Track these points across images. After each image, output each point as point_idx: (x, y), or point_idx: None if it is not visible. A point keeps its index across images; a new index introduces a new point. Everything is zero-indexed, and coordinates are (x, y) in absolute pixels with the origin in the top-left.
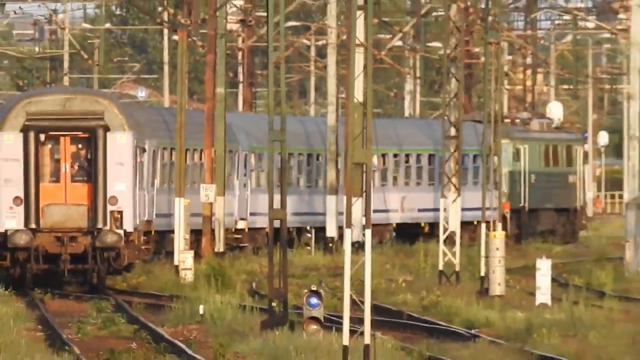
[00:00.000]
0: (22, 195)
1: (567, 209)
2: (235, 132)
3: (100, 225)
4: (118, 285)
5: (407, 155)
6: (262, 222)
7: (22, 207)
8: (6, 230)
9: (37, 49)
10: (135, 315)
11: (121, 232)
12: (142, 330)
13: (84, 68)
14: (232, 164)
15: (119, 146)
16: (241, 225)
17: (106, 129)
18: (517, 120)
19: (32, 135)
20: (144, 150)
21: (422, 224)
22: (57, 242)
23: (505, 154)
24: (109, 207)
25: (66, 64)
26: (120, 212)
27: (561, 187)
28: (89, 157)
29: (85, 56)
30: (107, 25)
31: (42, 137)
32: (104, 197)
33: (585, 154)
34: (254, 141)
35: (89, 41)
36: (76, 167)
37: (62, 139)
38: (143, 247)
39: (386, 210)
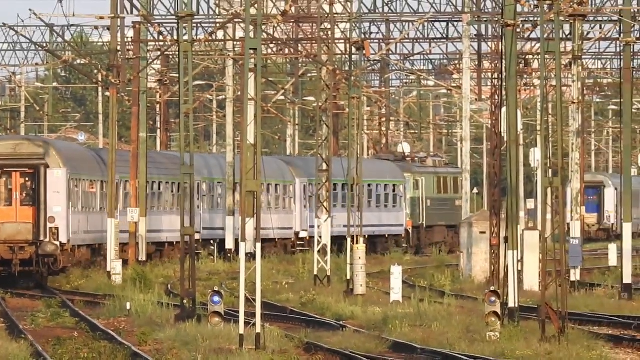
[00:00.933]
0: None
1: (455, 225)
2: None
3: (42, 238)
4: (63, 287)
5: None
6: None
7: None
8: None
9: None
10: (76, 310)
11: (57, 243)
12: (82, 322)
13: (36, 117)
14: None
15: (56, 179)
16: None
17: (46, 166)
18: (416, 158)
19: None
20: (76, 182)
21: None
22: (9, 250)
23: (407, 184)
24: (49, 225)
25: (23, 114)
26: (57, 228)
27: (449, 209)
28: (33, 187)
29: (38, 108)
30: (55, 84)
31: None
32: (45, 216)
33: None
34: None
35: (40, 96)
36: (24, 195)
37: (13, 173)
38: (76, 255)
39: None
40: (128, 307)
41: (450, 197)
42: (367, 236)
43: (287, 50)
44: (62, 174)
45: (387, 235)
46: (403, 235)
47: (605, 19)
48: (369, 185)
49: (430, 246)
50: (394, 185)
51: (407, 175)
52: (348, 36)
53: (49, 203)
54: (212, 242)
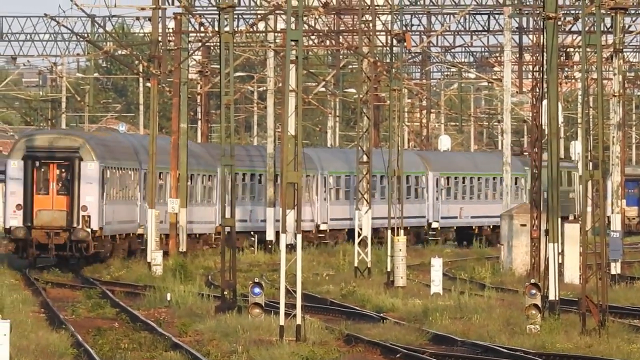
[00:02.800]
0: (22, 202)
1: (568, 216)
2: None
3: (75, 225)
4: (103, 278)
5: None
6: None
7: (21, 211)
8: (10, 227)
9: (41, 93)
10: (117, 301)
11: (89, 230)
12: (123, 313)
13: (77, 108)
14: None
15: (89, 171)
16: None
17: (80, 159)
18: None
19: (30, 162)
20: (110, 173)
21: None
22: (45, 235)
23: (527, 177)
24: (81, 213)
25: (64, 105)
26: (89, 217)
27: (564, 200)
28: (68, 178)
29: (78, 98)
30: (96, 74)
31: (37, 163)
32: (78, 205)
33: (580, 178)
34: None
35: (81, 87)
36: (60, 185)
37: (50, 165)
38: (107, 243)
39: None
40: (168, 298)
41: (565, 189)
42: (491, 226)
43: (328, 42)
44: (94, 166)
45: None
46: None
47: None
48: (494, 178)
49: None
50: (515, 178)
51: (526, 168)
52: (389, 28)
53: (82, 193)
54: (252, 233)
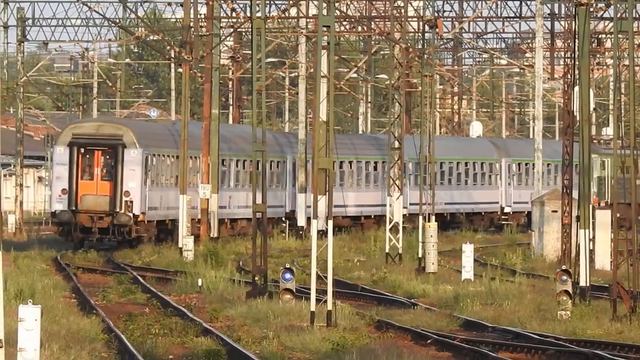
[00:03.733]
0: (67, 187)
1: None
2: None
3: (118, 210)
4: (134, 263)
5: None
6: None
7: (67, 196)
8: (55, 211)
9: (72, 78)
10: (148, 286)
11: (131, 214)
12: (154, 298)
13: (109, 93)
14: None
15: (132, 158)
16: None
17: (124, 146)
18: (601, 141)
19: (75, 148)
20: (153, 160)
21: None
22: (89, 219)
23: (595, 164)
24: (124, 198)
25: (95, 90)
26: (132, 202)
27: (629, 187)
28: (112, 164)
29: (110, 84)
30: (127, 60)
31: (82, 150)
32: (121, 191)
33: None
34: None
35: (112, 72)
36: (104, 171)
37: (95, 151)
38: (152, 228)
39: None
40: (199, 283)
41: (629, 177)
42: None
43: (360, 28)
44: (137, 153)
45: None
46: None
47: None
48: (557, 165)
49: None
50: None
51: (594, 156)
52: (421, 14)
53: (125, 179)
54: (283, 219)
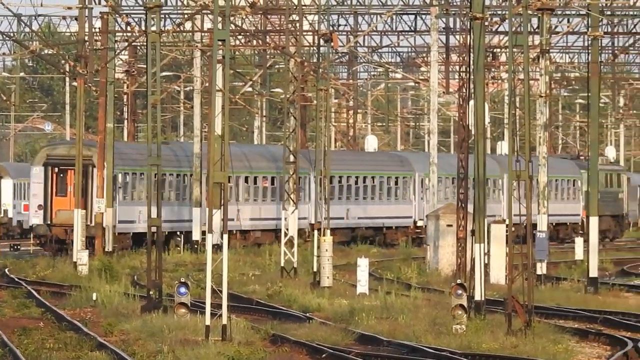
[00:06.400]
0: (42, 203)
1: (617, 215)
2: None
3: (89, 223)
4: (29, 277)
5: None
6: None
7: (42, 211)
8: (32, 225)
9: None
10: (42, 300)
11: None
12: (48, 313)
13: (3, 107)
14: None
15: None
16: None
17: (93, 165)
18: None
19: (50, 168)
20: (124, 177)
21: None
22: (64, 232)
23: (582, 179)
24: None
25: None
26: (102, 214)
27: (613, 200)
28: (83, 182)
29: (5, 98)
30: (22, 74)
31: (56, 169)
32: (92, 206)
33: (628, 179)
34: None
35: (7, 86)
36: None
37: (68, 171)
38: (123, 240)
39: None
40: (94, 297)
41: (615, 190)
42: (554, 224)
43: (255, 42)
44: (106, 172)
45: (568, 224)
46: (579, 223)
47: (573, 12)
48: (556, 180)
49: (599, 233)
50: (573, 181)
51: (582, 171)
52: (316, 28)
53: (95, 195)
54: (178, 233)
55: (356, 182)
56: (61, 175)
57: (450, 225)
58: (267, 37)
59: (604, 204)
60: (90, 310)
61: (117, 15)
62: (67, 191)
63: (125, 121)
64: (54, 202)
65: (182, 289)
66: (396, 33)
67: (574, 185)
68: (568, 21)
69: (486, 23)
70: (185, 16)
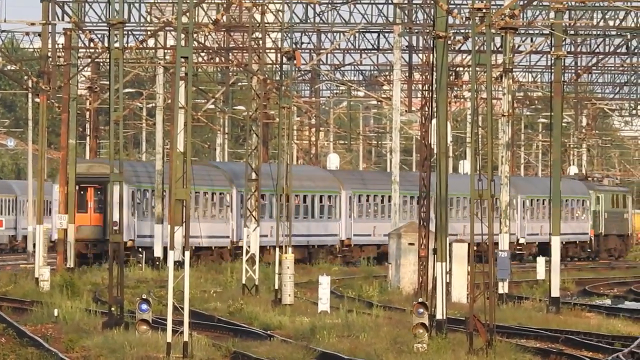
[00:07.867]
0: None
1: (623, 234)
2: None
3: (108, 238)
4: None
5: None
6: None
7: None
8: (55, 240)
9: None
10: (4, 316)
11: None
12: (9, 328)
13: None
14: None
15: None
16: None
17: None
18: (595, 178)
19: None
20: (139, 194)
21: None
22: (85, 246)
23: (591, 200)
24: (113, 227)
25: None
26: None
27: (620, 220)
28: (102, 198)
29: None
30: None
31: (77, 187)
32: (111, 221)
33: (633, 200)
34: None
35: None
36: (96, 204)
37: (88, 188)
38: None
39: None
40: (56, 313)
41: (621, 211)
42: (564, 242)
43: (218, 59)
44: (125, 189)
45: (577, 242)
46: (587, 242)
47: (537, 32)
48: (566, 200)
49: (606, 251)
50: (583, 201)
51: (590, 192)
52: (279, 46)
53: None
54: (140, 249)
55: (321, 201)
56: (81, 192)
57: (412, 244)
58: (230, 54)
59: (611, 224)
60: (51, 326)
61: (80, 31)
62: (87, 207)
63: (88, 137)
64: (76, 217)
65: (144, 306)
66: (359, 51)
67: (582, 205)
68: (531, 40)
69: (449, 42)
70: (149, 33)
